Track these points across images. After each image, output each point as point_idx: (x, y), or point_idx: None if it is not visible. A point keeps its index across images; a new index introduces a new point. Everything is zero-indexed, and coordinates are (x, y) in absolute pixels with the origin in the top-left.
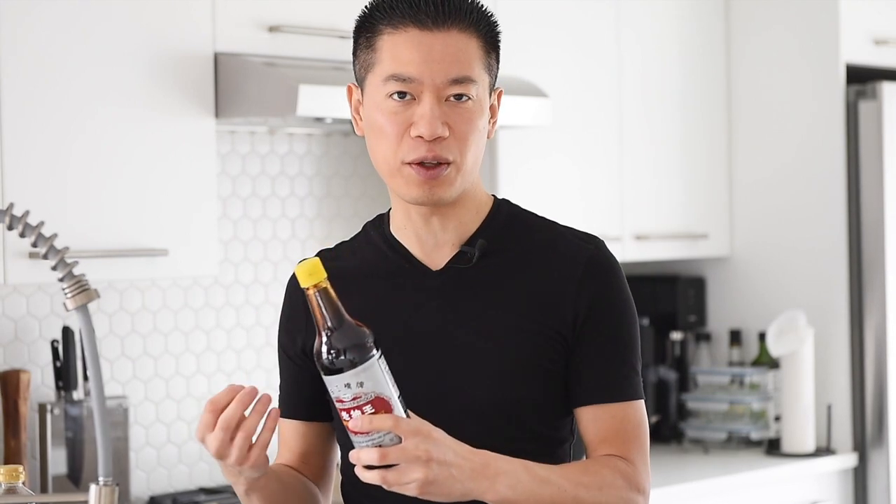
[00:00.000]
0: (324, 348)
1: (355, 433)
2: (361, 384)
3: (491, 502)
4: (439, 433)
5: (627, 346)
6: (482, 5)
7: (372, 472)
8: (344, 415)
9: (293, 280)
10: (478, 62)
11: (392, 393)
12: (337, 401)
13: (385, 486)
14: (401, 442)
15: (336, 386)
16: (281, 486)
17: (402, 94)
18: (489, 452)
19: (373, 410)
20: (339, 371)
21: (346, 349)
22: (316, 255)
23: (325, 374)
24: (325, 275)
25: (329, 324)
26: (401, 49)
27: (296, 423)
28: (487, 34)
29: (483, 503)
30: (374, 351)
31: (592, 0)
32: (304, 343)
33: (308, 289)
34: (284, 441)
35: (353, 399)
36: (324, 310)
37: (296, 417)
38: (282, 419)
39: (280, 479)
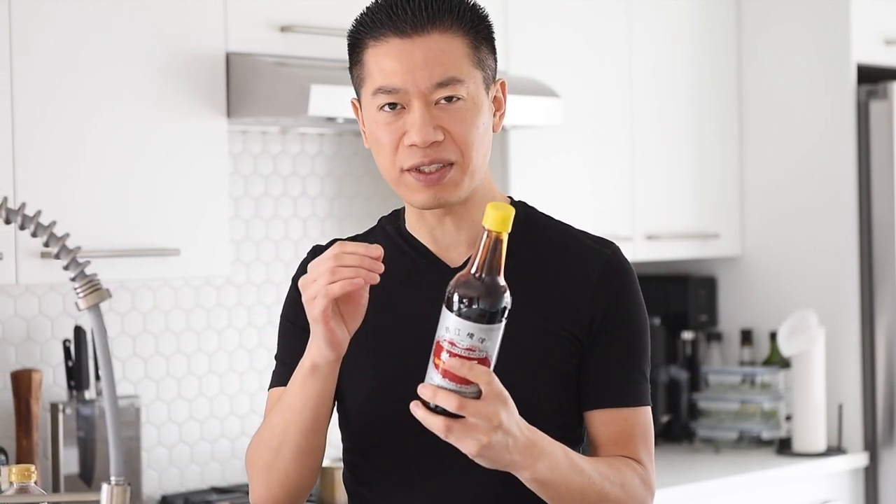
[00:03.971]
0: (463, 282)
1: (445, 376)
2: (483, 340)
3: (527, 480)
4: (512, 403)
5: (640, 352)
6: (466, 0)
7: (436, 419)
8: (444, 355)
9: (307, 262)
10: (465, 60)
11: (493, 362)
12: (448, 342)
13: (442, 436)
14: (479, 398)
15: (457, 329)
16: (327, 414)
17: (391, 105)
18: (538, 431)
19: None
20: (469, 317)
21: (488, 302)
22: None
23: (450, 310)
24: (510, 230)
25: (486, 269)
26: (384, 60)
27: None
28: (474, 29)
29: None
30: (504, 318)
31: (604, 0)
32: None
33: (491, 232)
34: None
35: (467, 350)
36: (490, 256)
37: None
38: (281, 388)
39: (328, 414)
